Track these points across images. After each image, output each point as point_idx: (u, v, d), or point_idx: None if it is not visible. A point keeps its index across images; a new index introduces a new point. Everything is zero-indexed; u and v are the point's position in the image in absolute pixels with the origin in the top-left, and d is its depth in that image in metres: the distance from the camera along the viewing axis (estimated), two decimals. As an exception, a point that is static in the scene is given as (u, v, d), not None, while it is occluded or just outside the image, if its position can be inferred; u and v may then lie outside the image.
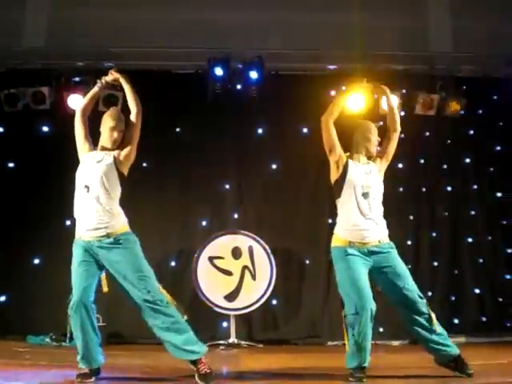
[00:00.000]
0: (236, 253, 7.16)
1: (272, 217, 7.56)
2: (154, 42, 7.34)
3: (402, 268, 4.62)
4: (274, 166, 7.76)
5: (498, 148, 8.00)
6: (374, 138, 4.76)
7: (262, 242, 7.19)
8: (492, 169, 8.00)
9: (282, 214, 7.58)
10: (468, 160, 8.00)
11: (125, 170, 4.66)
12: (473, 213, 7.97)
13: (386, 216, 7.68)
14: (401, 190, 7.85)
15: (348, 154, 4.75)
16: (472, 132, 8.04)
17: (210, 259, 7.14)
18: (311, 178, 7.75)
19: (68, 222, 7.01)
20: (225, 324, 7.25)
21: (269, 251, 7.17)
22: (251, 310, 7.17)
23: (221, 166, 7.65)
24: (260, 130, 7.80)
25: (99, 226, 4.46)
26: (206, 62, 7.42)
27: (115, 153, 4.60)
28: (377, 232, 4.59)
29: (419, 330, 4.63)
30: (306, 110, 7.56)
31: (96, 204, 4.47)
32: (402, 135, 7.80)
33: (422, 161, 7.99)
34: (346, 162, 4.66)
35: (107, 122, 4.62)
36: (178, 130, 7.63)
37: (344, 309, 4.52)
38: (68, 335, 6.42)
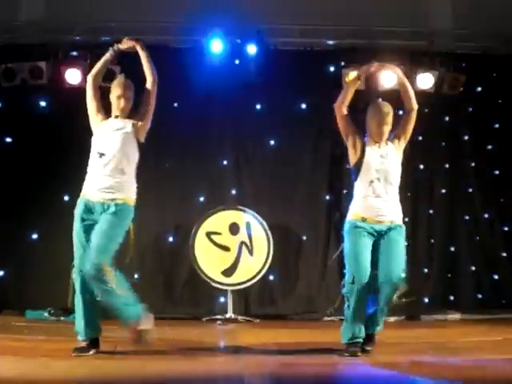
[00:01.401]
0: (233, 228, 7.18)
1: (270, 193, 7.56)
2: (152, 16, 7.28)
3: (397, 251, 4.63)
4: (272, 142, 7.75)
5: (497, 125, 7.98)
6: (388, 119, 4.74)
7: (259, 217, 7.21)
8: (490, 146, 7.99)
9: (280, 190, 7.58)
10: (466, 137, 7.99)
11: (142, 138, 4.71)
12: (470, 190, 7.99)
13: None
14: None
15: (366, 136, 4.80)
16: (471, 109, 8.01)
17: (208, 235, 7.16)
18: (309, 154, 7.76)
19: (66, 197, 7.03)
20: (222, 299, 7.30)
21: (266, 227, 7.19)
22: (248, 286, 7.21)
23: (219, 141, 7.64)
24: (259, 106, 7.77)
25: (109, 190, 4.49)
26: (205, 37, 7.37)
27: (133, 121, 4.65)
28: (391, 213, 4.68)
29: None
30: (305, 85, 7.56)
31: (113, 170, 4.50)
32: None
33: (421, 138, 7.96)
34: (363, 146, 4.73)
35: (114, 91, 4.66)
36: (175, 104, 7.59)
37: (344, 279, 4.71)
38: (69, 307, 6.42)
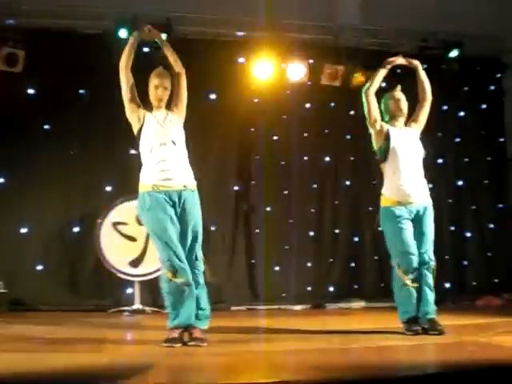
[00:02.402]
0: (141, 219, 7.10)
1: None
2: (60, 0, 7.07)
3: (428, 228, 5.02)
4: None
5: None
6: (402, 101, 5.12)
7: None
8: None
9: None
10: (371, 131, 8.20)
11: (181, 124, 4.77)
12: (374, 182, 8.21)
13: (289, 184, 7.90)
14: (305, 158, 8.00)
15: (388, 122, 5.14)
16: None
17: (114, 225, 7.05)
18: (218, 144, 7.78)
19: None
20: (129, 290, 7.21)
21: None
22: (156, 276, 7.14)
23: (126, 130, 7.49)
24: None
25: (180, 177, 4.59)
26: (113, 23, 7.23)
27: (173, 110, 4.73)
28: (420, 192, 5.03)
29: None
30: (214, 75, 7.56)
31: (179, 157, 4.62)
32: (308, 104, 8.10)
33: (327, 130, 8.15)
34: (388, 130, 5.09)
35: (152, 81, 4.69)
36: (81, 91, 7.41)
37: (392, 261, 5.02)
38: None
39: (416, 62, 5.30)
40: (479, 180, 8.54)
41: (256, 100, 7.91)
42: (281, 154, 7.95)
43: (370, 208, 8.15)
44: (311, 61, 7.84)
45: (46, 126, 7.28)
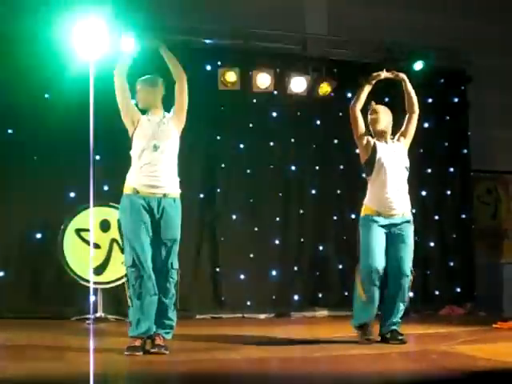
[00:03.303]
0: (104, 225, 7.01)
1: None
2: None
3: (408, 241, 5.16)
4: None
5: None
6: (379, 116, 5.19)
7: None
8: (357, 150, 8.30)
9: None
10: (336, 141, 8.27)
11: (179, 131, 4.81)
12: (339, 192, 8.28)
13: (255, 193, 7.91)
14: (271, 167, 8.01)
15: (374, 137, 5.21)
16: (341, 114, 8.29)
17: (77, 231, 6.96)
18: (183, 150, 7.67)
19: None
20: (92, 298, 7.11)
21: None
22: (120, 284, 7.06)
23: (91, 134, 7.41)
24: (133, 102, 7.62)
25: (162, 184, 4.62)
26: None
27: (171, 116, 4.77)
28: (402, 205, 5.15)
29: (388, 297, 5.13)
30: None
31: (166, 164, 4.66)
32: (274, 114, 8.12)
33: (293, 140, 8.18)
34: (374, 144, 5.17)
35: (137, 87, 4.78)
36: (46, 96, 7.31)
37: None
38: None
39: (402, 75, 5.34)
40: (442, 191, 8.64)
41: (222, 108, 7.90)
42: (247, 162, 7.95)
43: (335, 217, 8.22)
44: (278, 70, 7.87)
45: (9, 131, 7.16)
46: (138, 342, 4.42)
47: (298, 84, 7.85)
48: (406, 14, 8.29)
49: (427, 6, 8.43)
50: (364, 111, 5.29)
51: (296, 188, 8.17)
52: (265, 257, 7.84)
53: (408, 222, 5.18)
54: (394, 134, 5.34)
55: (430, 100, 8.43)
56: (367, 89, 5.25)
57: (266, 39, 7.82)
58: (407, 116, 5.35)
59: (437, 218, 8.58)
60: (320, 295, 8.00)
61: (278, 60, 7.89)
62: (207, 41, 7.81)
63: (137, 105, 4.86)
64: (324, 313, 7.74)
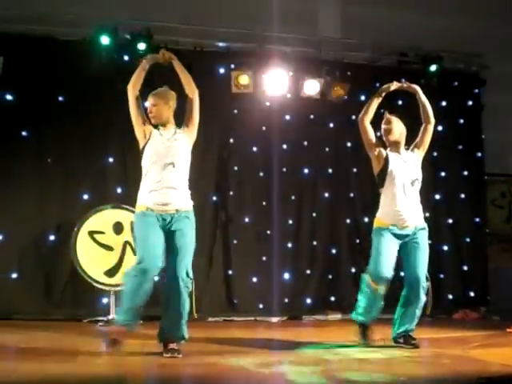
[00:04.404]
0: (118, 228, 7.03)
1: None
2: (39, 7, 7.03)
3: (423, 249, 5.11)
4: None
5: (378, 134, 8.27)
6: (392, 127, 5.15)
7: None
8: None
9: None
10: (349, 144, 8.24)
11: (190, 146, 4.81)
12: (352, 195, 8.26)
13: (268, 196, 7.89)
14: (284, 170, 8.00)
15: (388, 148, 5.17)
16: (354, 117, 8.26)
17: (91, 234, 6.97)
18: (196, 154, 7.62)
19: None
20: (105, 300, 7.13)
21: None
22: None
23: (105, 139, 7.45)
24: (147, 104, 7.63)
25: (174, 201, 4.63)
26: (93, 30, 7.20)
27: (182, 130, 4.76)
28: (414, 217, 5.09)
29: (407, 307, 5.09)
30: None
31: (177, 180, 4.66)
32: (288, 116, 8.11)
33: (306, 143, 8.17)
34: (387, 156, 5.12)
35: (148, 101, 4.77)
36: (60, 99, 7.35)
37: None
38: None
39: (415, 86, 5.30)
40: (456, 194, 8.59)
41: (235, 111, 7.91)
42: (260, 165, 7.94)
43: (348, 220, 8.20)
44: (291, 73, 7.86)
45: (24, 133, 7.20)
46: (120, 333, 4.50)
47: (312, 87, 7.84)
48: (419, 17, 8.25)
49: (441, 8, 8.39)
50: (374, 121, 5.23)
51: (309, 191, 8.15)
52: (277, 260, 7.83)
53: (422, 229, 5.14)
54: (408, 143, 5.28)
55: (443, 103, 8.40)
56: (376, 101, 5.20)
57: (279, 42, 7.82)
58: (423, 126, 5.28)
59: (450, 221, 8.53)
60: (332, 298, 7.97)
61: (291, 63, 7.87)
62: (220, 44, 7.82)
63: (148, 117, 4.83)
64: (336, 316, 7.71)
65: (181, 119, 4.87)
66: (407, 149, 5.23)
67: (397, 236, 5.06)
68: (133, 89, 4.73)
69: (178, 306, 4.57)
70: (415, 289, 5.01)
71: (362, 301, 5.14)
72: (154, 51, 7.30)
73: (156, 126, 4.77)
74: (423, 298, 5.06)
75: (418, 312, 5.06)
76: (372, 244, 5.17)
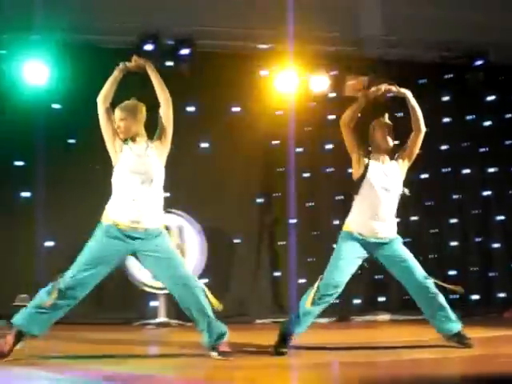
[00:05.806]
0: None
1: (202, 195, 7.51)
2: (82, 15, 7.15)
3: (405, 254, 4.97)
4: (203, 145, 7.71)
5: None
6: (390, 130, 5.01)
7: (192, 220, 7.15)
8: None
9: (212, 193, 7.54)
10: (397, 142, 8.13)
11: (163, 159, 4.63)
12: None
13: (313, 196, 7.84)
14: (329, 170, 7.95)
15: (370, 153, 5.00)
16: (401, 114, 8.18)
17: (139, 238, 7.03)
18: (242, 157, 7.76)
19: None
20: (153, 303, 7.20)
21: (199, 230, 7.15)
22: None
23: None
24: (189, 108, 7.70)
25: (144, 220, 4.48)
26: (136, 38, 7.29)
27: (154, 145, 4.57)
28: (387, 230, 4.90)
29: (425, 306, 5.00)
30: (237, 88, 7.58)
31: (149, 197, 4.48)
32: (331, 116, 8.07)
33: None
34: (367, 163, 4.92)
35: (116, 114, 4.57)
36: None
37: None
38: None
39: (404, 90, 5.09)
40: (505, 190, 8.42)
41: (279, 112, 7.90)
42: (304, 166, 7.91)
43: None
44: (334, 72, 7.82)
45: (71, 140, 7.32)
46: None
47: (355, 86, 7.77)
48: (463, 11, 8.10)
49: (484, 3, 8.23)
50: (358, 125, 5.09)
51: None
52: (325, 261, 7.76)
53: (394, 239, 4.96)
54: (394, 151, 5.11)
55: (490, 98, 8.24)
56: (362, 104, 5.01)
57: (321, 42, 7.78)
58: (412, 135, 5.05)
59: (500, 218, 8.37)
60: (381, 299, 7.90)
61: (334, 62, 7.84)
62: (262, 46, 7.82)
63: None
64: (386, 317, 7.64)
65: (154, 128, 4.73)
66: (392, 158, 5.05)
67: (364, 245, 4.90)
68: (104, 100, 4.56)
69: (204, 310, 4.56)
70: (425, 290, 4.92)
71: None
72: (197, 56, 7.46)
73: (126, 140, 4.57)
74: (441, 297, 4.91)
75: (448, 310, 4.91)
76: (335, 248, 5.04)
